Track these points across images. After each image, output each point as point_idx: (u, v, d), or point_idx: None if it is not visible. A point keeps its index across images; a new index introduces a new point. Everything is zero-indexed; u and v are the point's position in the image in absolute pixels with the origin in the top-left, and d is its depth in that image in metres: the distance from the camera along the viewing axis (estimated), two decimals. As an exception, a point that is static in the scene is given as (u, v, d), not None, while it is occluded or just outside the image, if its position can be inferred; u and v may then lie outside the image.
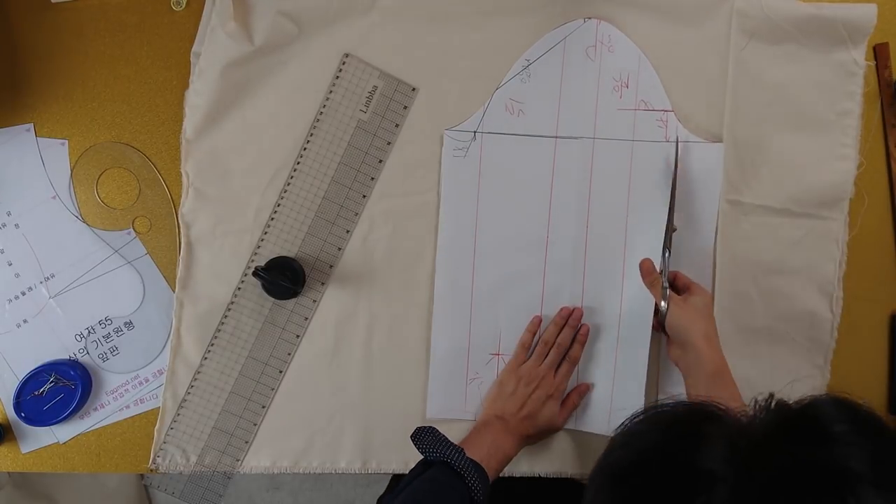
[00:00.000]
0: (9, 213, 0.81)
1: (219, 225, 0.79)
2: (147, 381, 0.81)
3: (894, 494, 0.34)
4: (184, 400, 0.79)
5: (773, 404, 0.40)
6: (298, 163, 0.79)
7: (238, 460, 0.80)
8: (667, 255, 0.73)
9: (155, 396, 0.80)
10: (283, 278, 0.75)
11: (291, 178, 0.79)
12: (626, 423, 0.43)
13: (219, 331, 0.79)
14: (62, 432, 0.81)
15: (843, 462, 0.35)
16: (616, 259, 0.78)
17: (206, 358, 0.79)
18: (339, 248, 0.79)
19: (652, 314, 0.73)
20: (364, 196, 0.79)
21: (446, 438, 0.67)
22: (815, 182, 0.78)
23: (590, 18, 0.77)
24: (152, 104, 0.80)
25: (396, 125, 0.79)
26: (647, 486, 0.37)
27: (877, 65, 0.79)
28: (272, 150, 0.79)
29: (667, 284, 0.71)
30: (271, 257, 0.78)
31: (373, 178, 0.79)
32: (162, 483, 0.81)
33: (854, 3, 0.76)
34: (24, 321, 0.81)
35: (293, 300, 0.79)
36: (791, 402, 0.40)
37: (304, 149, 0.79)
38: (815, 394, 0.41)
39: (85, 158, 0.81)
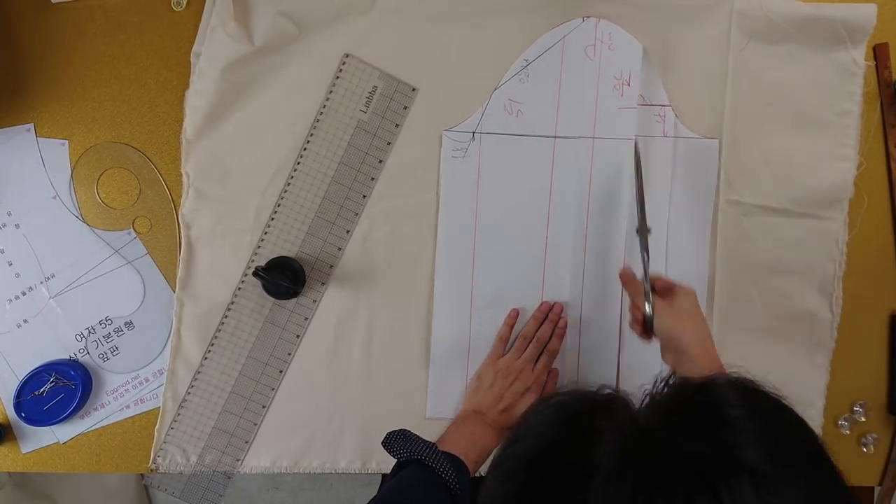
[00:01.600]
0: (9, 213, 0.81)
1: (219, 225, 0.79)
2: (147, 381, 0.81)
3: (772, 489, 0.31)
4: (184, 400, 0.79)
5: (670, 384, 0.38)
6: (298, 163, 0.79)
7: (238, 460, 0.80)
8: (645, 257, 0.69)
9: (155, 396, 0.80)
10: (283, 278, 0.75)
11: (291, 178, 0.79)
12: (530, 411, 0.41)
13: (219, 331, 0.79)
14: (62, 432, 0.81)
15: (727, 451, 0.33)
16: (616, 258, 0.78)
17: (206, 358, 0.79)
18: (339, 248, 0.80)
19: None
20: (364, 196, 0.79)
21: (417, 438, 0.65)
22: (814, 182, 0.78)
23: (588, 17, 0.77)
24: (152, 104, 0.80)
25: (396, 125, 0.79)
26: (534, 484, 0.36)
27: (877, 65, 0.79)
28: (272, 150, 0.79)
29: (649, 288, 0.67)
30: (271, 257, 0.79)
31: (373, 178, 0.79)
32: (162, 483, 0.81)
33: (854, 3, 0.76)
34: (25, 321, 0.81)
35: (293, 300, 0.79)
36: (693, 381, 0.38)
37: (304, 149, 0.79)
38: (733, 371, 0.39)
39: (85, 158, 0.81)
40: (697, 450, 0.34)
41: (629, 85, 0.77)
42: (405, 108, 0.79)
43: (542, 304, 0.78)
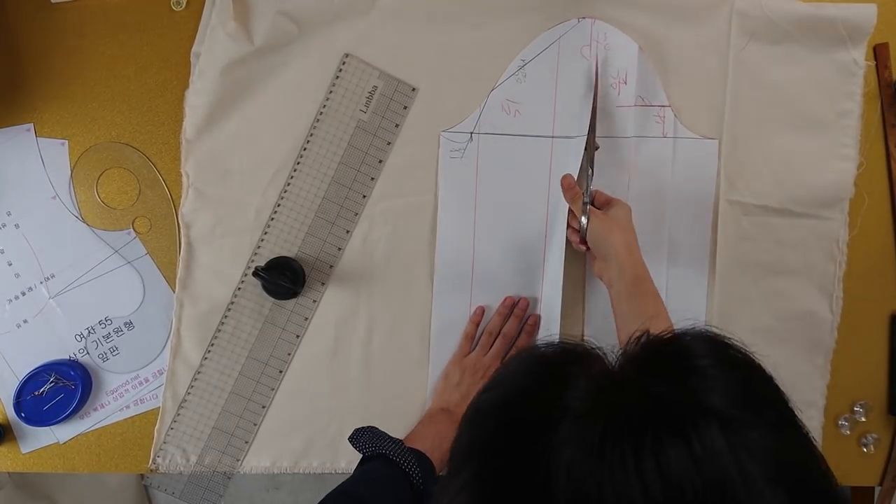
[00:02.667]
0: (9, 213, 0.81)
1: (219, 225, 0.79)
2: (147, 381, 0.81)
3: (739, 431, 0.32)
4: (184, 400, 0.79)
5: (644, 340, 0.40)
6: (298, 163, 0.79)
7: (238, 460, 0.80)
8: (590, 172, 0.72)
9: (155, 396, 0.80)
10: (283, 278, 0.75)
11: (291, 178, 0.79)
12: (507, 362, 0.42)
13: (219, 331, 0.79)
14: (62, 432, 0.81)
15: (695, 396, 0.34)
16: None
17: (206, 358, 0.79)
18: (339, 248, 0.79)
19: None
20: (364, 196, 0.79)
21: (384, 434, 0.66)
22: (815, 182, 0.78)
23: (584, 18, 0.77)
24: (152, 104, 0.80)
25: (396, 125, 0.79)
26: (506, 427, 0.37)
27: (877, 65, 0.79)
28: (272, 150, 0.79)
29: (588, 200, 0.70)
30: (271, 257, 0.79)
31: (373, 179, 0.79)
32: (162, 483, 0.81)
33: (854, 3, 0.76)
34: (24, 321, 0.81)
35: (293, 300, 0.79)
36: (664, 335, 0.40)
37: (304, 149, 0.79)
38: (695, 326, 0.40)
39: (85, 158, 0.81)
40: (667, 396, 0.34)
41: (625, 84, 0.77)
42: (405, 107, 0.79)
43: (505, 298, 0.78)
